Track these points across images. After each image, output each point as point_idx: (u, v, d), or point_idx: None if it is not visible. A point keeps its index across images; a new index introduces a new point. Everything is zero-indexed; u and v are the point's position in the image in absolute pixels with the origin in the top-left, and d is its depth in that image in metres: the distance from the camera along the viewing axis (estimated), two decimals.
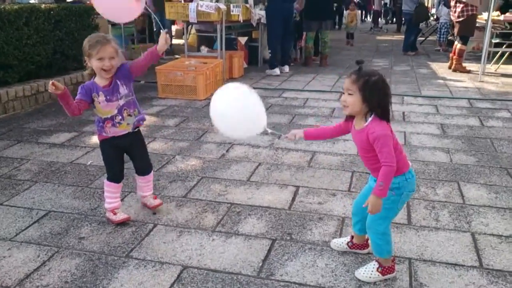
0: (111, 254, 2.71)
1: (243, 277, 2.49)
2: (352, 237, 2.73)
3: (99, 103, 2.85)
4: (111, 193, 3.07)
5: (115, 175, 3.06)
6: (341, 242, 2.76)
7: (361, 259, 2.65)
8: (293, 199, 3.41)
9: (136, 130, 3.06)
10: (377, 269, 2.47)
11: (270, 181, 3.71)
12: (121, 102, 2.91)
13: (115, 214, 3.06)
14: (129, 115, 2.96)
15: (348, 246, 2.72)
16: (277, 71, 8.49)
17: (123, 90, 2.91)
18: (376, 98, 2.22)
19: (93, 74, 2.90)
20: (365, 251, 2.72)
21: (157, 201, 3.26)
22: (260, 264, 2.61)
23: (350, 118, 2.41)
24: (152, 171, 3.23)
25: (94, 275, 2.51)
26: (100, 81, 2.87)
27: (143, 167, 3.16)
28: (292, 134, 2.64)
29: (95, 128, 3.03)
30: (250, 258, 2.67)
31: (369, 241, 2.60)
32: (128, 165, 3.19)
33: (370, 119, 2.27)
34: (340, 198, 3.41)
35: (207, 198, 3.42)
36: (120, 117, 2.92)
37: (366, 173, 3.85)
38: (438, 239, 2.86)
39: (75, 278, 2.49)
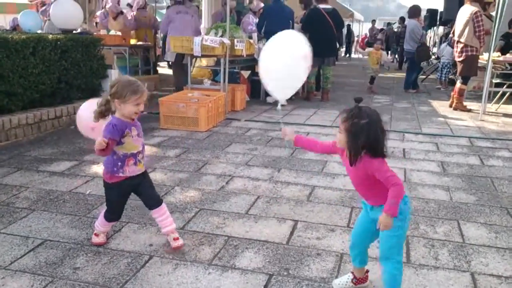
0: (106, 285, 2.68)
1: None
2: (353, 273, 2.69)
3: (132, 137, 2.89)
4: (103, 226, 3.15)
5: (114, 218, 3.14)
6: (345, 282, 2.70)
7: None
8: (291, 233, 3.39)
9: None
10: None
11: (268, 215, 3.69)
12: (143, 139, 3.02)
13: (97, 236, 3.17)
14: (144, 153, 3.04)
15: (354, 283, 2.68)
16: (270, 98, 8.83)
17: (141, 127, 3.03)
18: (363, 142, 2.24)
19: (103, 111, 2.87)
20: (367, 283, 2.70)
21: (177, 243, 3.10)
22: None
23: None
24: (163, 204, 3.13)
25: None
26: (124, 119, 2.90)
27: (151, 204, 3.10)
28: (285, 131, 2.68)
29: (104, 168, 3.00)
30: None
31: (382, 273, 2.50)
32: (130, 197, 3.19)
33: (362, 156, 2.28)
34: (339, 234, 3.39)
35: (205, 231, 3.39)
36: (142, 155, 2.99)
37: None
38: (437, 278, 2.82)
39: None
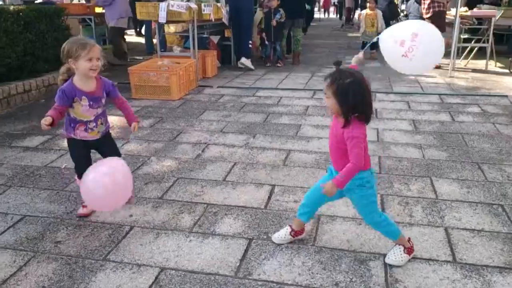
0: (88, 257, 2.70)
1: (220, 277, 2.51)
2: (291, 226, 2.84)
3: (81, 106, 2.92)
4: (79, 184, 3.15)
5: (80, 174, 3.10)
6: (284, 235, 2.84)
7: (337, 256, 2.70)
8: (269, 198, 3.44)
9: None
10: (404, 251, 2.64)
11: (246, 181, 3.73)
12: (99, 110, 3.01)
13: (83, 207, 3.20)
14: (101, 123, 3.07)
15: (292, 236, 2.83)
16: (245, 62, 8.88)
17: (104, 100, 3.04)
18: (351, 101, 2.30)
19: (66, 78, 2.94)
20: (303, 235, 2.88)
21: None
22: (238, 264, 2.63)
23: None
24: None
25: (71, 279, 2.50)
26: (83, 85, 2.92)
27: None
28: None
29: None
30: (227, 258, 2.69)
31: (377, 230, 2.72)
32: None
33: (350, 119, 2.35)
34: None
35: (184, 199, 3.42)
36: (94, 124, 3.02)
37: None
38: (412, 235, 2.91)
39: (52, 282, 2.47)
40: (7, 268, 2.60)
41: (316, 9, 25.25)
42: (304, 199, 2.80)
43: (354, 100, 2.30)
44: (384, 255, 2.68)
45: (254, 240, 2.87)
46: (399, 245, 2.65)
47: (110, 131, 3.26)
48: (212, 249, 2.79)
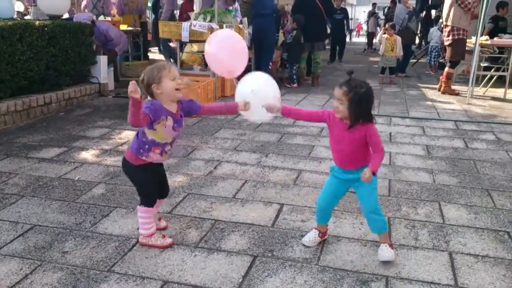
0: (93, 268, 2.75)
1: None
2: (317, 229, 3.07)
3: (165, 127, 2.79)
4: (149, 219, 3.00)
5: (153, 200, 3.00)
6: (313, 237, 3.06)
7: (339, 276, 2.70)
8: (277, 216, 3.46)
9: None
10: (390, 247, 2.88)
11: (255, 199, 3.76)
12: (179, 133, 2.93)
13: (163, 237, 3.04)
14: (173, 147, 2.96)
15: (320, 237, 3.07)
16: None
17: (183, 124, 2.92)
18: (364, 108, 2.67)
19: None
20: (327, 236, 3.14)
21: (162, 224, 3.24)
22: (240, 280, 2.65)
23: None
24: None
25: None
26: (168, 106, 2.80)
27: (166, 192, 3.16)
28: (269, 105, 3.05)
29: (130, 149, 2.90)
30: (230, 274, 2.71)
31: (371, 222, 2.91)
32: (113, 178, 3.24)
33: (361, 121, 2.70)
34: None
35: (192, 215, 3.46)
36: (169, 147, 2.90)
37: (350, 192, 3.91)
38: (416, 258, 2.91)
39: None
40: (13, 275, 2.65)
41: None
42: (319, 205, 3.03)
43: (367, 106, 2.68)
44: (387, 277, 2.69)
45: (258, 257, 2.89)
46: (383, 243, 2.88)
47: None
48: (216, 264, 2.81)
